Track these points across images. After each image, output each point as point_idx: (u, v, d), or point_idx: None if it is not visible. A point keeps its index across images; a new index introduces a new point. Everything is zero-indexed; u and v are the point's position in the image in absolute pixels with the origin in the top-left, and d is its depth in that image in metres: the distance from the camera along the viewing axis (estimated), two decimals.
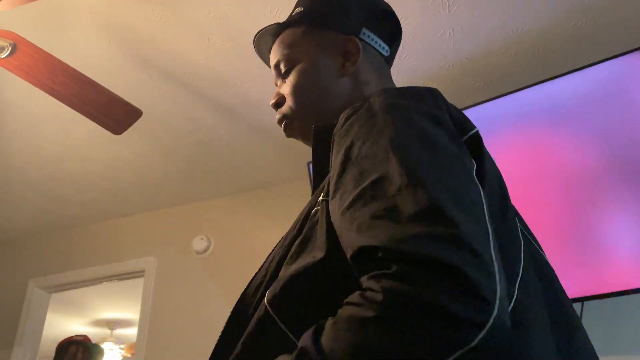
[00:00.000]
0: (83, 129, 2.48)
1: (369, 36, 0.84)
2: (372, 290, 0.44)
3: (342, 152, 0.59)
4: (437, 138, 0.56)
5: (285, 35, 0.85)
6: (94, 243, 3.35)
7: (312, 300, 0.56)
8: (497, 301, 0.42)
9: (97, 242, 3.35)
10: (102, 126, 1.91)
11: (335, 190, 0.57)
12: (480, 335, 0.40)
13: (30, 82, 1.75)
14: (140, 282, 3.18)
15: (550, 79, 2.01)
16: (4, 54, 1.65)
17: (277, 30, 0.86)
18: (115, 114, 1.85)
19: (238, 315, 0.64)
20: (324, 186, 0.66)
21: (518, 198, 1.99)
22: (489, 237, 0.47)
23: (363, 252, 0.47)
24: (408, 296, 0.41)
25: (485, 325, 0.40)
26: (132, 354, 5.65)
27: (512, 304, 0.51)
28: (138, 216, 3.32)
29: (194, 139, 2.61)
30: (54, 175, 2.87)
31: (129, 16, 1.88)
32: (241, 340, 0.59)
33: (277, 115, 0.84)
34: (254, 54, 2.08)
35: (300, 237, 0.64)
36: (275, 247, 0.71)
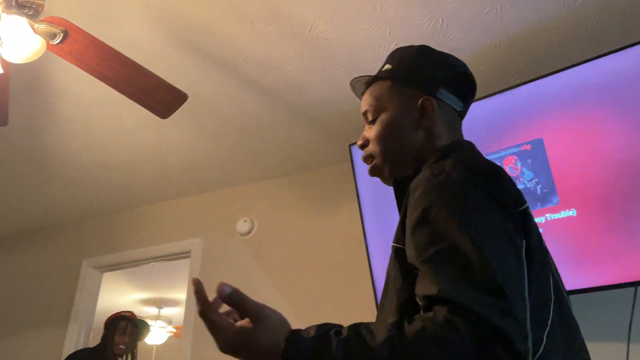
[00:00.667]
0: (131, 114, 2.55)
1: (445, 95, 0.98)
2: (451, 319, 0.63)
3: (419, 210, 0.76)
4: (498, 223, 0.73)
5: (374, 87, 1.02)
6: (143, 225, 3.47)
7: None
8: (529, 355, 0.63)
9: (146, 224, 3.46)
10: (150, 110, 1.96)
11: (409, 240, 0.76)
12: None
13: (81, 68, 1.81)
14: (186, 262, 3.27)
15: (604, 55, 1.92)
16: (56, 41, 1.71)
17: (369, 80, 1.03)
18: (161, 98, 1.89)
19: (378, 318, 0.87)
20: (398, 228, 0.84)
21: (567, 180, 1.93)
22: (527, 310, 0.67)
23: (438, 300, 0.66)
24: (473, 340, 0.61)
25: None
26: (177, 334, 5.81)
27: (540, 350, 0.72)
28: (184, 199, 3.40)
29: (238, 123, 2.64)
30: (105, 161, 2.97)
31: (175, 1, 1.91)
32: None
33: (363, 155, 1.02)
34: (296, 36, 2.09)
35: (387, 270, 0.86)
36: None
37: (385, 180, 1.01)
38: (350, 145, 2.55)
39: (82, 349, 3.03)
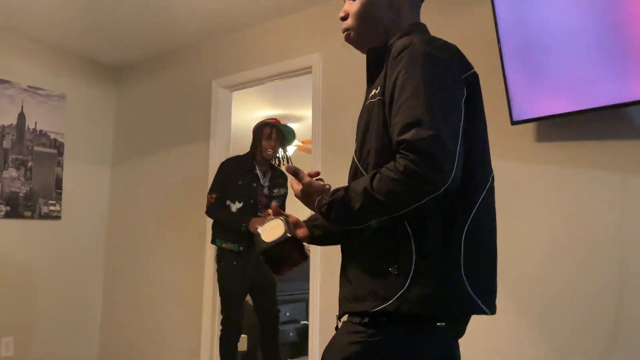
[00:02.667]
0: None
1: None
2: (399, 162, 0.98)
3: (395, 73, 1.08)
4: (446, 80, 1.06)
5: None
6: (262, 43, 3.49)
7: (374, 160, 1.14)
8: (453, 173, 0.97)
9: (265, 42, 3.47)
10: None
11: (391, 95, 1.08)
12: (442, 189, 0.96)
13: None
14: (308, 78, 3.31)
15: None
16: None
17: None
18: None
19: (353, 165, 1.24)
20: (377, 86, 1.17)
21: None
22: (457, 141, 1.00)
23: (399, 143, 1.00)
24: (412, 169, 0.96)
25: (446, 185, 0.96)
26: (303, 149, 6.17)
27: (489, 182, 1.16)
28: (301, 13, 3.31)
29: None
30: None
31: None
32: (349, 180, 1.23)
33: (342, 27, 1.31)
34: None
35: (365, 121, 1.18)
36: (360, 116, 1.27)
37: (358, 48, 1.33)
38: None
39: (234, 156, 3.32)
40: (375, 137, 1.12)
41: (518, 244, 2.30)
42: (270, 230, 1.25)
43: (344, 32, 1.30)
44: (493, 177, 1.17)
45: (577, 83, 2.05)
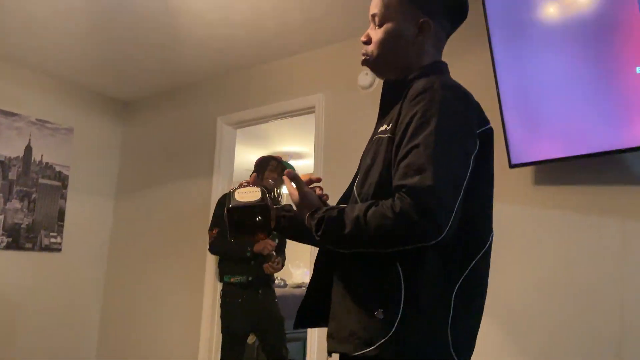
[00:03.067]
0: None
1: (440, 22, 1.21)
2: (396, 203, 0.96)
3: (410, 115, 1.05)
4: (459, 133, 1.04)
5: None
6: (267, 83, 3.57)
7: (373, 195, 1.11)
8: (447, 228, 0.94)
9: (270, 81, 3.56)
10: None
11: (401, 137, 1.05)
12: (432, 242, 0.95)
13: None
14: (310, 117, 3.38)
15: None
16: None
17: None
18: None
19: (345, 198, 1.25)
20: (389, 121, 1.14)
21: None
22: (458, 197, 0.98)
23: (399, 187, 0.98)
24: (408, 215, 0.94)
25: (438, 238, 0.94)
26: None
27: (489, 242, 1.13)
28: (305, 54, 3.40)
29: None
30: (227, 18, 3.01)
31: None
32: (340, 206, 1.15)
33: (363, 50, 1.25)
34: None
35: (371, 155, 1.15)
36: (366, 148, 1.25)
37: (377, 75, 1.31)
38: None
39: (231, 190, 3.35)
40: (379, 172, 1.09)
41: (516, 286, 2.30)
42: (247, 193, 1.20)
43: (363, 55, 1.26)
44: (492, 236, 1.14)
45: (573, 129, 2.10)
